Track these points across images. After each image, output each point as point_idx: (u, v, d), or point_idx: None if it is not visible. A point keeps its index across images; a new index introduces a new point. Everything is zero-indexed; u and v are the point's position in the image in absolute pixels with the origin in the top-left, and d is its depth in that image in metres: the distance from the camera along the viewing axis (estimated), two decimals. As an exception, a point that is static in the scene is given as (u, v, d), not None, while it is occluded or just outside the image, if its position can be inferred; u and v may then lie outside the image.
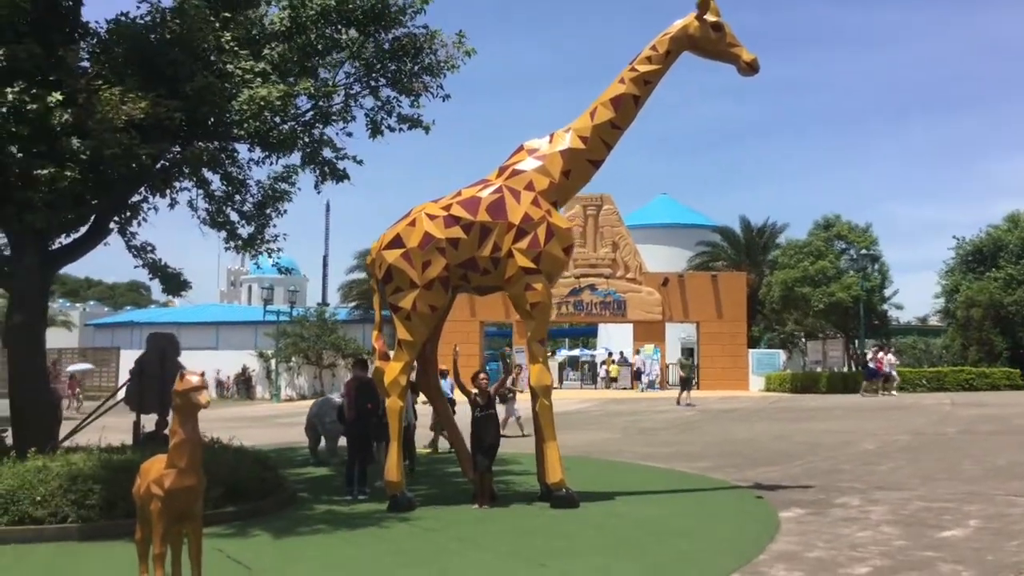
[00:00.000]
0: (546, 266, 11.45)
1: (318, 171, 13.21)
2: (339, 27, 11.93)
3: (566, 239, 11.61)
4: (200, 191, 15.21)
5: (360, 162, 13.05)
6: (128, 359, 46.36)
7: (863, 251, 37.88)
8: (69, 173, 10.73)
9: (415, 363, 12.30)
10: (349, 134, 12.85)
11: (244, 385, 49.83)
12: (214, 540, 9.56)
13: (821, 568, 7.85)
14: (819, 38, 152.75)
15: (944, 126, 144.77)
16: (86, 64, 11.90)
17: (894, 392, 34.34)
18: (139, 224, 13.33)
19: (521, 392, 23.28)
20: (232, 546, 9.36)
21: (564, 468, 11.52)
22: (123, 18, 11.85)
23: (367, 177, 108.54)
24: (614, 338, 56.71)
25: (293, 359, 47.70)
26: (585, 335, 75.37)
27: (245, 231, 15.57)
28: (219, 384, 48.69)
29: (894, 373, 34.89)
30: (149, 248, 13.57)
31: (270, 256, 16.10)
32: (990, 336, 36.90)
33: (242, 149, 13.83)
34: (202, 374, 7.16)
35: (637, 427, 23.85)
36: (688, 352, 43.42)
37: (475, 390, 11.68)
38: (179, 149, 12.20)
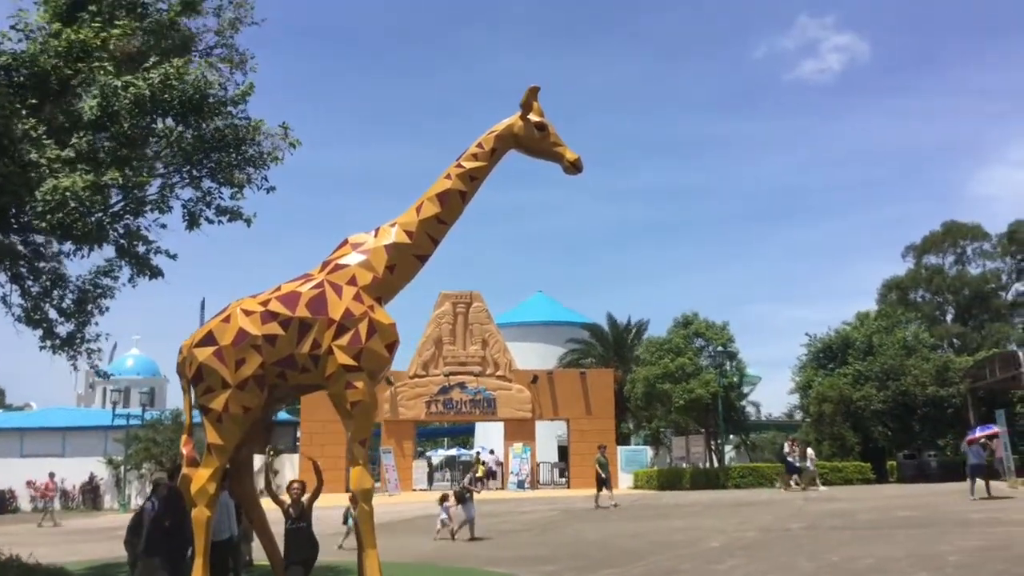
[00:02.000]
0: (368, 363, 11.01)
1: (133, 265, 12.56)
2: (155, 117, 11.50)
3: (389, 336, 11.23)
4: (14, 286, 14.31)
5: (174, 256, 12.50)
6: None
7: (720, 348, 38.92)
8: None
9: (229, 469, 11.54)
10: (163, 226, 12.33)
11: (91, 495, 46.72)
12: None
13: None
14: (688, 146, 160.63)
15: (805, 230, 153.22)
16: None
17: (820, 487, 32.74)
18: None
19: (479, 493, 22.48)
20: None
21: (384, 578, 10.88)
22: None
23: (248, 270, 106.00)
24: (491, 436, 56.22)
25: (145, 466, 45.04)
26: (463, 434, 74.63)
27: (64, 329, 14.69)
28: (63, 494, 45.43)
29: (812, 467, 33.46)
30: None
31: (90, 357, 15.16)
32: (841, 431, 38.07)
33: (54, 242, 13.09)
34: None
35: (496, 530, 23.24)
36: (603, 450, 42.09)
37: (288, 500, 11.02)
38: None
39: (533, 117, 11.80)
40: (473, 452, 56.83)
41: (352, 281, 11.28)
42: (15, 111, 11.13)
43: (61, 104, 11.62)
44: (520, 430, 44.19)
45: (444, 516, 21.20)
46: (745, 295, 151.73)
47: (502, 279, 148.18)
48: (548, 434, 51.29)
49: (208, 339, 11.04)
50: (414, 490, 42.15)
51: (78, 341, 14.64)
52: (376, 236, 11.67)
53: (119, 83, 10.88)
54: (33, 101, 11.28)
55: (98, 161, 11.43)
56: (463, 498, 20.92)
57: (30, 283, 14.22)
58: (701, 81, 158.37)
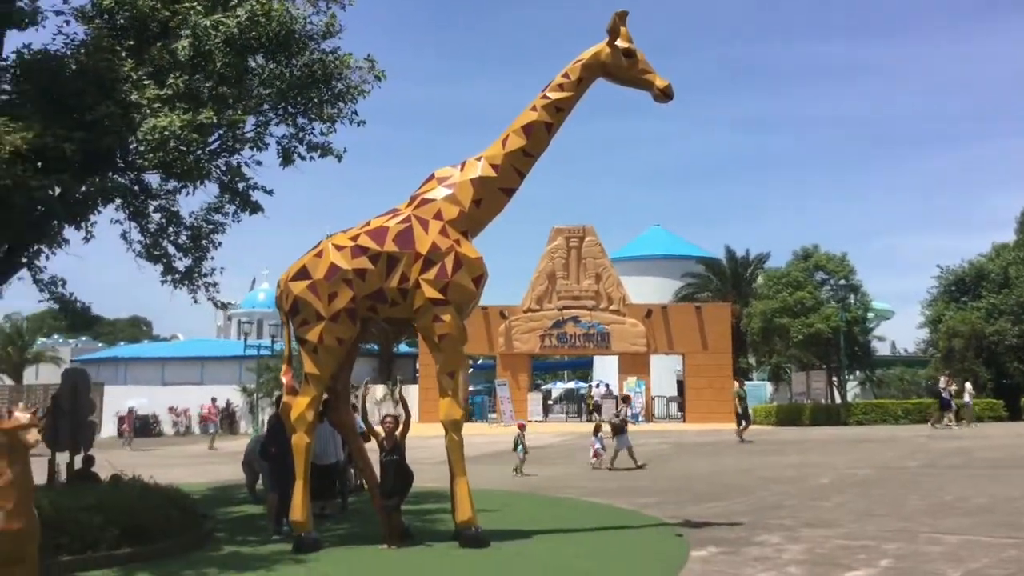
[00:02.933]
0: (454, 297, 11.13)
1: (235, 201, 12.97)
2: (246, 55, 11.71)
3: (475, 269, 11.29)
4: (134, 224, 14.98)
5: (270, 192, 12.82)
6: (111, 395, 46.52)
7: (841, 281, 37.46)
8: (-33, 208, 10.52)
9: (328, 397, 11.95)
10: (259, 163, 12.63)
11: (228, 420, 49.32)
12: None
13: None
14: (815, 72, 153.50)
15: (941, 158, 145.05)
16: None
17: (973, 424, 31.64)
18: (47, 258, 13.04)
19: (634, 424, 23.23)
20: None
21: (474, 506, 11.09)
22: (25, 50, 11.69)
23: (365, 206, 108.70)
24: (609, 370, 56.25)
25: (276, 393, 47.19)
26: (582, 367, 74.90)
27: (182, 264, 15.32)
28: (202, 420, 48.24)
29: (970, 402, 32.33)
30: (60, 282, 13.28)
31: (207, 290, 15.78)
32: (973, 367, 36.29)
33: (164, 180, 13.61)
34: (34, 412, 6.85)
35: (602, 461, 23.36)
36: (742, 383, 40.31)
37: (382, 433, 11.33)
38: (90, 181, 11.93)
39: (620, 43, 11.46)
40: (592, 385, 56.98)
41: (438, 215, 11.35)
42: (116, 53, 11.54)
43: (160, 46, 11.94)
44: (634, 364, 43.99)
45: (598, 446, 21.35)
46: (877, 226, 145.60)
47: (619, 213, 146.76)
48: (667, 368, 50.77)
49: (302, 273, 11.37)
50: (529, 421, 42.66)
51: (196, 275, 15.26)
52: (462, 170, 11.67)
53: (209, 23, 11.12)
54: (132, 43, 11.66)
55: (197, 100, 11.76)
56: (620, 429, 21.23)
57: (147, 221, 14.86)
58: (828, 2, 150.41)
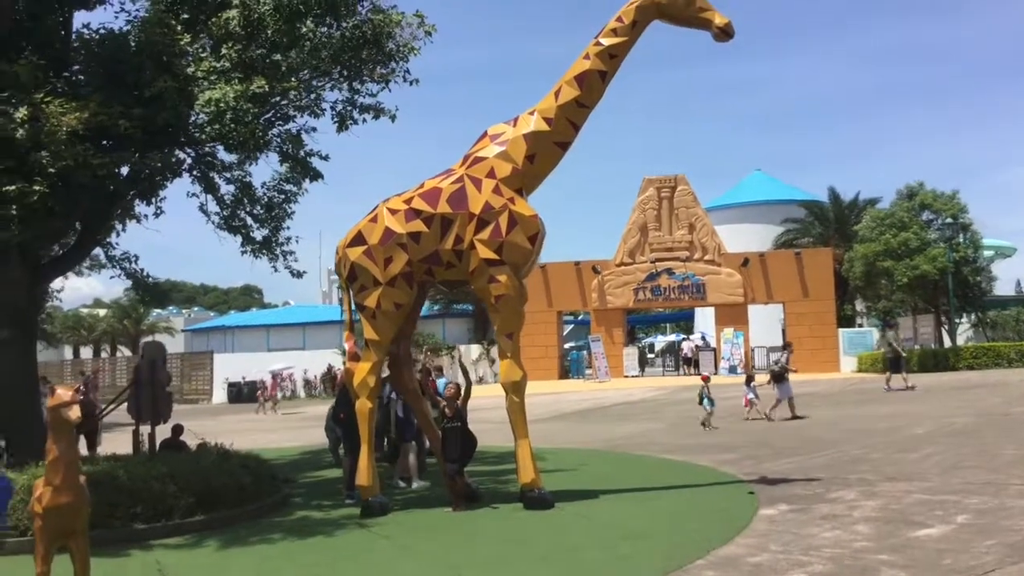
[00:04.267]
0: (510, 256, 10.94)
1: (299, 169, 13.05)
2: (296, 21, 11.66)
3: (531, 227, 11.05)
4: (209, 196, 15.29)
5: (326, 158, 12.83)
6: (221, 363, 48.36)
7: (949, 220, 35.50)
8: (37, 188, 10.84)
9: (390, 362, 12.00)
10: (313, 129, 12.65)
11: (330, 383, 50.66)
12: (165, 552, 9.58)
13: (751, 576, 7.18)
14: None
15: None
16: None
17: None
18: (118, 235, 13.42)
19: (795, 372, 22.90)
20: (175, 558, 9.28)
21: (536, 467, 11.00)
22: (85, 30, 11.93)
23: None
24: (710, 321, 55.19)
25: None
26: (684, 319, 73.78)
27: (259, 234, 15.59)
28: (306, 383, 49.73)
29: None
30: (132, 258, 13.65)
31: (285, 259, 16.01)
32: (1098, 304, 34.13)
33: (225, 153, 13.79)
34: (77, 389, 7.02)
35: (690, 417, 22.93)
36: (895, 326, 36.59)
37: (443, 402, 11.33)
38: (152, 156, 12.15)
39: (675, -20, 10.91)
40: (685, 338, 56.18)
41: (491, 174, 11.14)
42: (172, 27, 11.66)
43: (216, 18, 12.01)
44: (732, 315, 42.99)
45: (751, 396, 21.13)
46: (999, 158, 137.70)
47: (721, 159, 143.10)
48: (767, 317, 49.41)
49: (358, 239, 11.37)
50: (625, 376, 42.40)
51: (273, 245, 15.51)
52: (515, 126, 11.40)
53: (257, -10, 11.14)
54: (187, 16, 11.77)
55: (252, 70, 11.81)
56: (780, 376, 20.85)
57: (221, 193, 15.14)
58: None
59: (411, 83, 12.46)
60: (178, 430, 14.73)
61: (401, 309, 11.34)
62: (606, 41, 11.27)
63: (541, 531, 9.58)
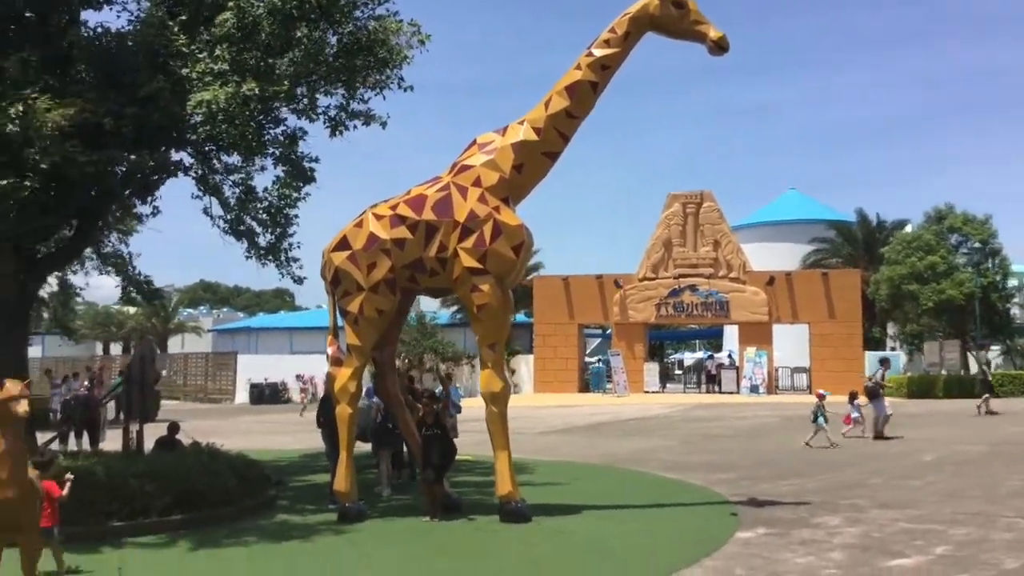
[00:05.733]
0: (493, 266, 10.80)
1: (294, 171, 13.03)
2: (291, 25, 11.64)
3: (515, 237, 10.91)
4: (214, 199, 15.31)
5: (316, 159, 12.81)
6: (245, 364, 48.66)
7: (978, 244, 34.77)
8: (28, 183, 10.90)
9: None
10: (304, 132, 12.62)
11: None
12: (134, 551, 9.51)
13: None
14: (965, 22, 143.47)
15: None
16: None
17: None
18: (110, 233, 13.45)
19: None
20: (141, 558, 9.22)
21: (515, 480, 10.82)
22: (85, 28, 12.01)
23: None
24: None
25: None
26: (713, 337, 73.06)
27: (264, 239, 15.56)
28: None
29: None
30: (127, 257, 13.68)
31: (290, 265, 15.95)
32: None
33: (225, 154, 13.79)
34: (27, 383, 7.00)
35: (701, 434, 22.65)
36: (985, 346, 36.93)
37: (420, 407, 11.23)
38: (139, 155, 12.17)
39: (669, -8, 10.76)
40: (709, 355, 55.56)
41: (477, 182, 11.04)
42: (169, 28, 11.70)
43: (214, 20, 12.03)
44: (756, 334, 42.42)
45: (856, 415, 20.29)
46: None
47: (753, 178, 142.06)
48: (796, 337, 48.71)
49: (343, 244, 11.31)
50: (645, 392, 42.00)
51: (279, 251, 15.46)
52: (504, 135, 11.30)
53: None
54: (184, 18, 11.81)
55: (247, 72, 11.80)
56: (874, 393, 20.18)
57: (224, 196, 15.14)
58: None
59: (406, 90, 12.40)
60: (174, 428, 14.76)
61: (384, 315, 11.25)
62: (598, 52, 11.13)
63: (510, 544, 9.43)
